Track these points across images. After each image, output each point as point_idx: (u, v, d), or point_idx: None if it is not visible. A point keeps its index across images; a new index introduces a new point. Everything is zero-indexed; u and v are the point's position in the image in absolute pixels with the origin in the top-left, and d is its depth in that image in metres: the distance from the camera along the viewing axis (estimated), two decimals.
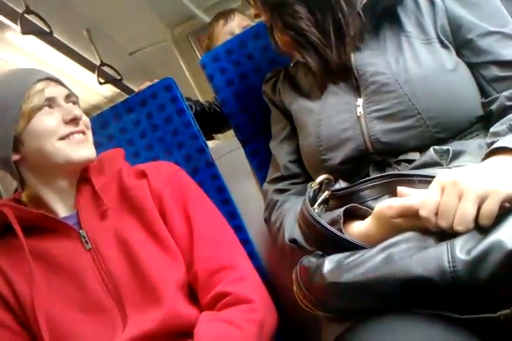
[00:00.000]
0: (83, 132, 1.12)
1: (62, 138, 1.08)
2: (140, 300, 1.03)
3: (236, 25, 2.09)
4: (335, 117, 1.01)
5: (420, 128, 0.93)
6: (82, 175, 1.15)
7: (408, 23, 1.03)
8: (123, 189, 1.14)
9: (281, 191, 1.16)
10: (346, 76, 1.04)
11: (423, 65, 0.95)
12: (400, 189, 0.82)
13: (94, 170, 1.16)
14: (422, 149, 0.92)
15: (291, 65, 1.19)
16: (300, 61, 1.11)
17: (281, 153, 1.19)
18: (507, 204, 0.69)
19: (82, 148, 1.10)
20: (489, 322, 0.66)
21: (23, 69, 1.18)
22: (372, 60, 1.01)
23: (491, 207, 0.68)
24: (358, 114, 0.99)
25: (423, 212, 0.73)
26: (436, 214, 0.71)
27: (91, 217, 1.11)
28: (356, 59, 1.03)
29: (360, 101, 1.00)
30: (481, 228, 0.69)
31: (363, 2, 1.01)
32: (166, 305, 1.01)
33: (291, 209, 1.07)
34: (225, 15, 2.14)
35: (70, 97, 1.15)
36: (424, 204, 0.73)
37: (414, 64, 0.96)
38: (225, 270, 1.06)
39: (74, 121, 1.10)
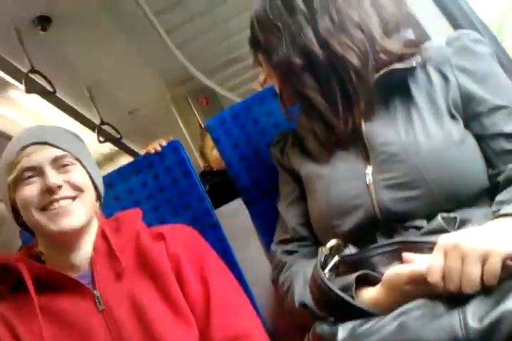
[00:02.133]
0: (63, 199, 1.08)
1: (43, 209, 1.07)
2: None
3: None
4: (344, 184, 1.03)
5: (428, 198, 0.94)
6: (99, 233, 1.15)
7: (419, 96, 1.04)
8: (140, 250, 1.14)
9: (290, 253, 1.16)
10: (356, 143, 1.05)
11: (432, 137, 0.97)
12: (405, 255, 0.84)
13: (111, 229, 1.16)
14: (429, 217, 0.94)
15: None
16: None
17: (289, 216, 1.19)
18: (510, 263, 0.71)
19: (60, 218, 1.07)
20: None
21: (18, 135, 1.15)
22: (382, 130, 1.02)
23: (493, 266, 0.70)
24: (368, 182, 1.00)
25: (430, 279, 0.74)
26: (444, 278, 0.73)
27: (106, 278, 1.10)
28: (366, 128, 1.04)
29: (369, 169, 1.01)
30: (490, 290, 0.70)
31: (377, 77, 1.02)
32: None
33: (301, 272, 1.07)
34: None
35: (59, 160, 1.11)
36: (430, 270, 0.74)
37: (424, 136, 0.97)
38: (240, 339, 1.05)
39: (50, 191, 1.07)
